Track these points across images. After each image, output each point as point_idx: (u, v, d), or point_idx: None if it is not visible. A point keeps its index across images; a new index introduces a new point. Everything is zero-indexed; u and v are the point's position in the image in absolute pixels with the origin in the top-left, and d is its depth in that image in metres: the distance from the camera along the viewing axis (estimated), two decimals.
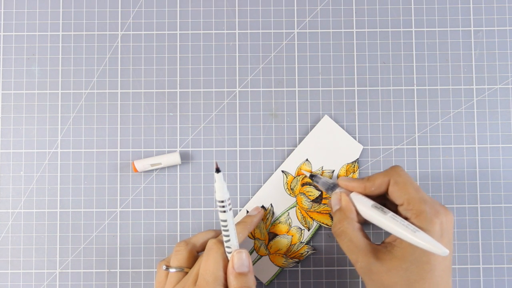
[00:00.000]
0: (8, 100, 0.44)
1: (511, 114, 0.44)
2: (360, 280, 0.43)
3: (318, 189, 0.43)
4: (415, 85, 0.44)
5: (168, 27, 0.45)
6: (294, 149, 0.43)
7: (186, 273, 0.37)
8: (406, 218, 0.34)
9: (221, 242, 0.36)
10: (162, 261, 0.39)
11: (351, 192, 0.37)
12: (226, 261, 0.35)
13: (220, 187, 0.32)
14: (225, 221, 0.34)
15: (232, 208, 0.40)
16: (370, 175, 0.38)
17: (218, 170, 0.32)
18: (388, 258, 0.34)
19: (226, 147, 0.44)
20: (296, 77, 0.44)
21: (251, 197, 0.43)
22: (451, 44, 0.45)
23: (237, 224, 0.40)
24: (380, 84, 0.44)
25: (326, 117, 0.44)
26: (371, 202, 0.36)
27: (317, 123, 0.44)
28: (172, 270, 0.37)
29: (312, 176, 0.42)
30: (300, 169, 0.43)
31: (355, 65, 0.44)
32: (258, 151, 0.44)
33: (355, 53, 0.44)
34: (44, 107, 0.44)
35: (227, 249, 0.35)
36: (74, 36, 0.45)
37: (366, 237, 0.36)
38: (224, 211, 0.33)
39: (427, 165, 0.44)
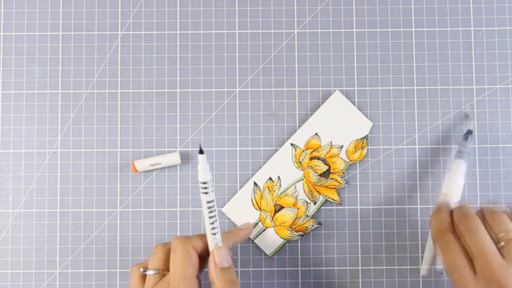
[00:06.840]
0: (8, 100, 0.44)
1: (511, 114, 0.44)
2: (360, 280, 0.43)
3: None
4: (415, 85, 0.44)
5: (168, 27, 0.45)
6: (304, 123, 0.43)
7: (164, 275, 0.36)
8: None
9: (186, 239, 0.36)
10: (136, 265, 0.38)
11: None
12: (194, 258, 0.35)
13: (203, 169, 0.32)
14: (211, 202, 0.34)
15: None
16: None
17: (201, 152, 0.32)
18: None
19: (226, 147, 0.44)
20: (296, 77, 0.44)
21: (259, 170, 0.43)
22: (451, 44, 0.45)
23: (224, 233, 0.39)
24: (380, 84, 0.44)
25: (337, 92, 0.44)
26: None
27: None
28: (149, 272, 0.36)
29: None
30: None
31: (355, 65, 0.44)
32: (258, 151, 0.44)
33: (355, 53, 0.44)
34: (44, 107, 0.44)
35: (212, 231, 0.35)
36: (74, 36, 0.45)
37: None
38: (206, 193, 0.33)
39: (427, 165, 0.44)
